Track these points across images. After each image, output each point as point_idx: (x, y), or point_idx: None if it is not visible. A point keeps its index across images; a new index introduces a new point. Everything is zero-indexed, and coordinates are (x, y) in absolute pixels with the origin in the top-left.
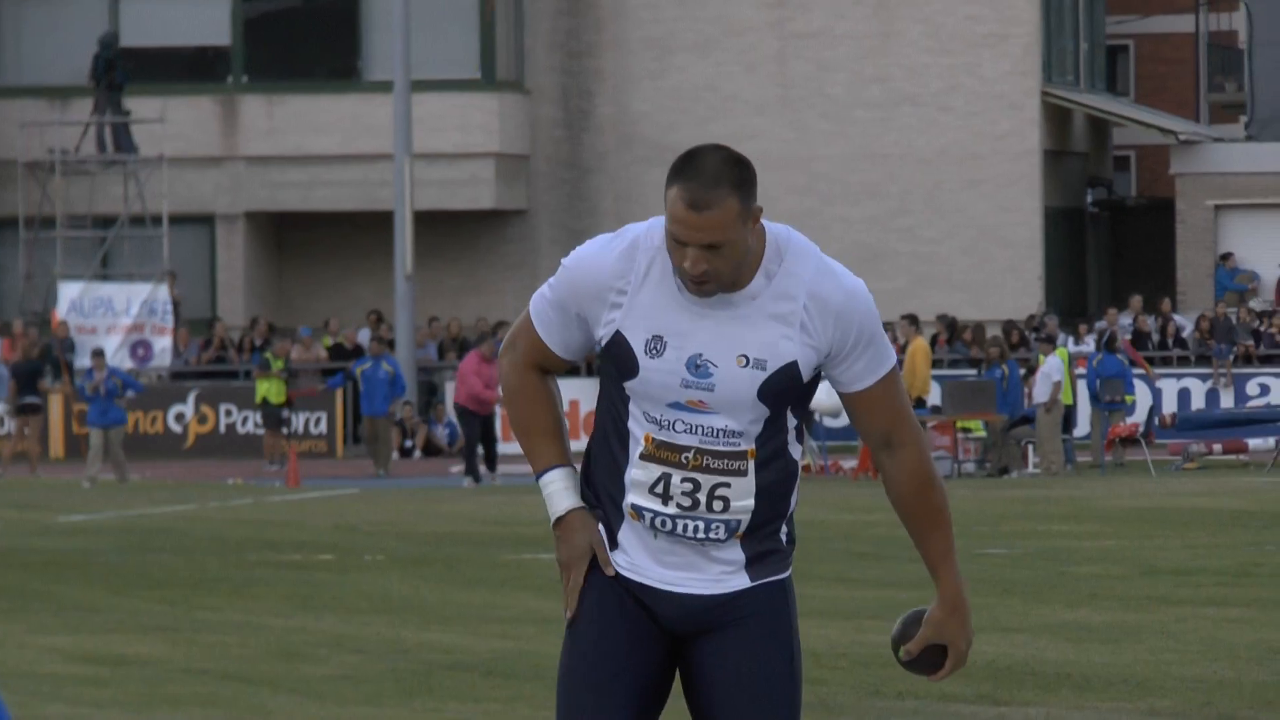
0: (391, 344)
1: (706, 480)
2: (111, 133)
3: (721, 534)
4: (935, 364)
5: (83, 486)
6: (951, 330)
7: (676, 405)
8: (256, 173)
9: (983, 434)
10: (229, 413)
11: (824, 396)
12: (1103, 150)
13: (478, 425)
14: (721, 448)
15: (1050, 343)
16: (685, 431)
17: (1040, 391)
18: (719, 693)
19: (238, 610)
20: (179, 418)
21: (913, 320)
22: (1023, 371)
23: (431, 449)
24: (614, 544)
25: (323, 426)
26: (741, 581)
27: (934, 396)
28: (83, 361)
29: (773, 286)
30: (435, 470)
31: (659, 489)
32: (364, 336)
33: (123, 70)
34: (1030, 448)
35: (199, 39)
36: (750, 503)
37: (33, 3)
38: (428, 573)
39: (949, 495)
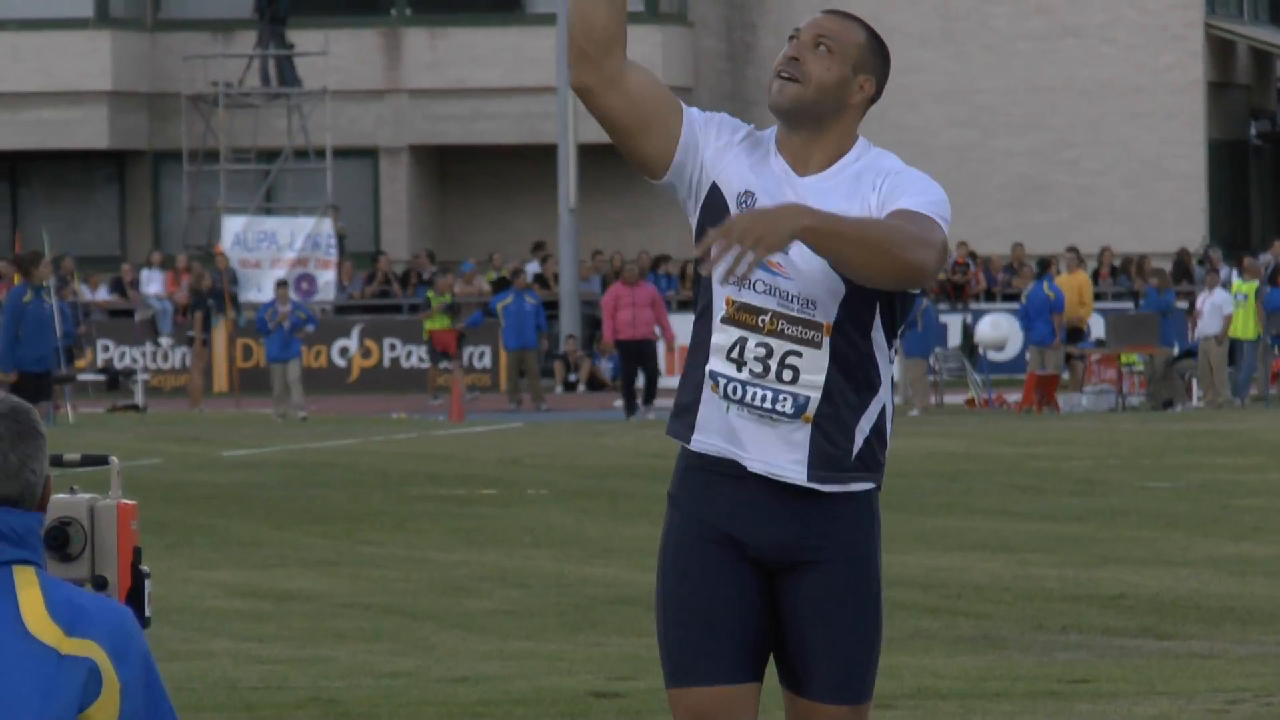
0: (555, 277)
1: (779, 346)
2: (275, 66)
3: (789, 408)
4: (1098, 297)
5: (274, 421)
6: (1115, 265)
7: (772, 273)
8: (419, 106)
9: (1142, 368)
10: (393, 347)
11: (988, 329)
12: (1266, 83)
13: (633, 357)
14: (796, 313)
15: (1216, 274)
16: (764, 293)
17: (1209, 324)
18: (798, 631)
19: (401, 545)
20: (343, 352)
21: (1074, 252)
22: (1185, 305)
23: (595, 383)
24: (694, 421)
25: (486, 360)
26: (798, 473)
27: (1097, 329)
28: (247, 295)
29: (856, 167)
30: (599, 404)
31: (735, 353)
32: (532, 269)
33: (286, 3)
34: (1194, 380)
35: None
36: (820, 379)
37: None
38: (590, 506)
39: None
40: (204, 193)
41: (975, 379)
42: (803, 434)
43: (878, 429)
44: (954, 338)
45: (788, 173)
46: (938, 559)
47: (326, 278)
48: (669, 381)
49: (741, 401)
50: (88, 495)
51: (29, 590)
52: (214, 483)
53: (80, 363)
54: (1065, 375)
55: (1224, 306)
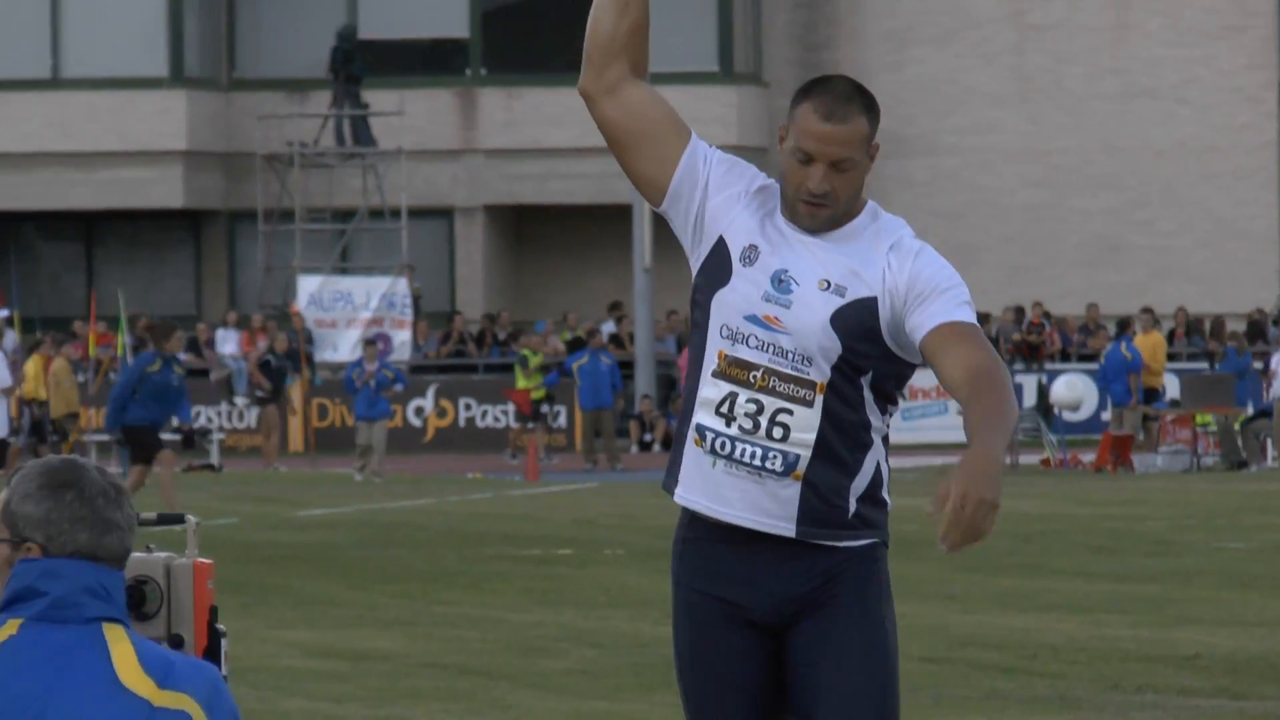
0: (631, 337)
1: (771, 403)
2: (350, 125)
3: (779, 465)
4: (1172, 358)
5: (354, 479)
6: (1189, 325)
7: (753, 319)
8: (494, 165)
9: (1215, 428)
10: (468, 406)
11: (1063, 389)
12: None
13: None
14: (790, 370)
15: None
16: (757, 348)
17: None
18: (808, 688)
19: (476, 605)
20: (418, 411)
21: (1150, 313)
22: (1259, 365)
23: (671, 443)
24: (679, 475)
25: (562, 420)
26: (787, 528)
27: (1172, 390)
28: (323, 355)
29: (864, 235)
30: None
31: (724, 408)
32: (607, 329)
33: (361, 63)
34: (1269, 441)
35: (437, 31)
36: (811, 437)
37: None
38: (666, 567)
39: (1013, 408)
40: (279, 252)
41: (1050, 439)
42: (792, 490)
43: (872, 489)
44: (1029, 398)
45: (796, 230)
46: (1013, 619)
47: (402, 337)
48: None
49: (730, 457)
50: (164, 554)
51: (121, 645)
52: (290, 542)
53: None
54: (1140, 435)
55: None
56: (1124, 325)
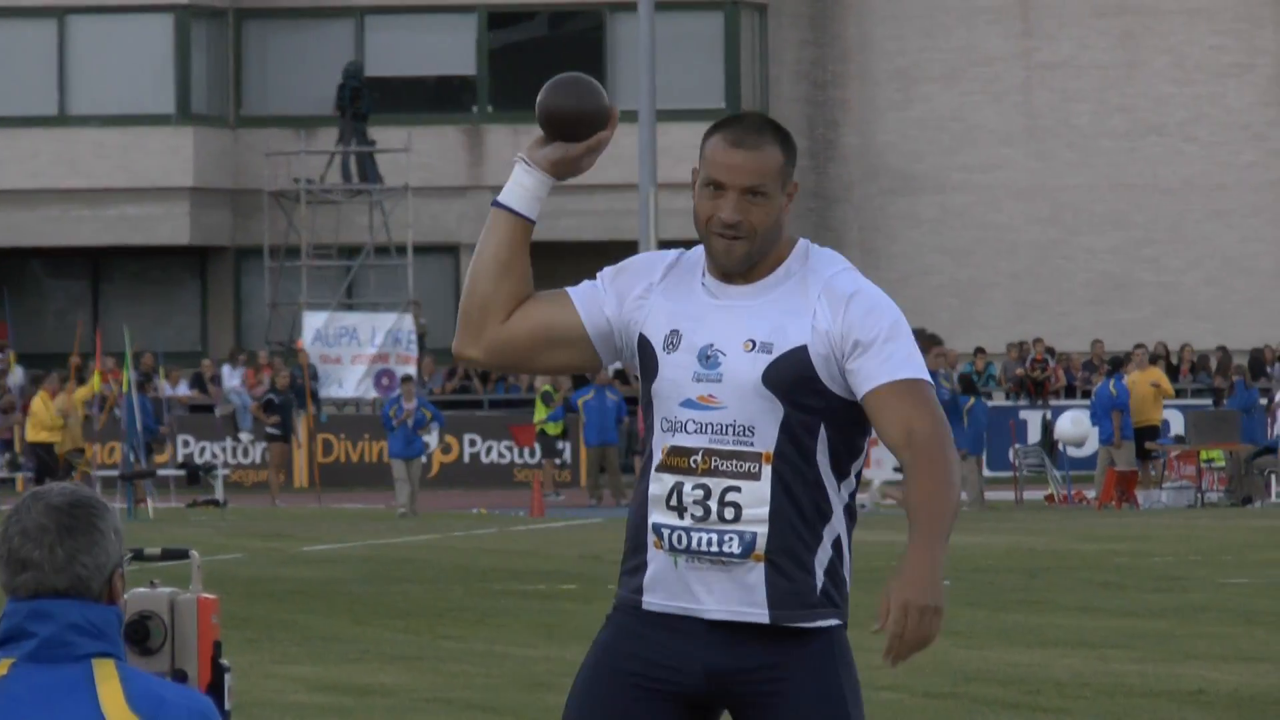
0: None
1: (717, 485)
2: (356, 162)
3: (736, 547)
4: (1178, 394)
5: (397, 514)
6: (1195, 362)
7: (689, 403)
8: None
9: (1223, 463)
10: (473, 442)
11: (1068, 426)
12: None
13: None
14: (731, 446)
15: None
16: (695, 431)
17: None
18: None
19: (482, 640)
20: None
21: (1143, 349)
22: (1264, 401)
23: None
24: (643, 583)
25: (567, 455)
26: (760, 614)
27: (1176, 425)
28: (328, 391)
29: (791, 281)
30: None
31: (673, 500)
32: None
33: (368, 100)
34: (1274, 477)
35: (444, 69)
36: (764, 511)
37: (278, 33)
38: None
39: (957, 503)
40: (285, 289)
41: (1055, 475)
42: (756, 574)
43: (835, 562)
44: (1034, 434)
45: (718, 289)
46: (1018, 655)
47: (407, 373)
48: None
49: (688, 550)
50: (168, 589)
51: (109, 684)
52: (295, 577)
53: (161, 458)
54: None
55: None
56: (1117, 363)
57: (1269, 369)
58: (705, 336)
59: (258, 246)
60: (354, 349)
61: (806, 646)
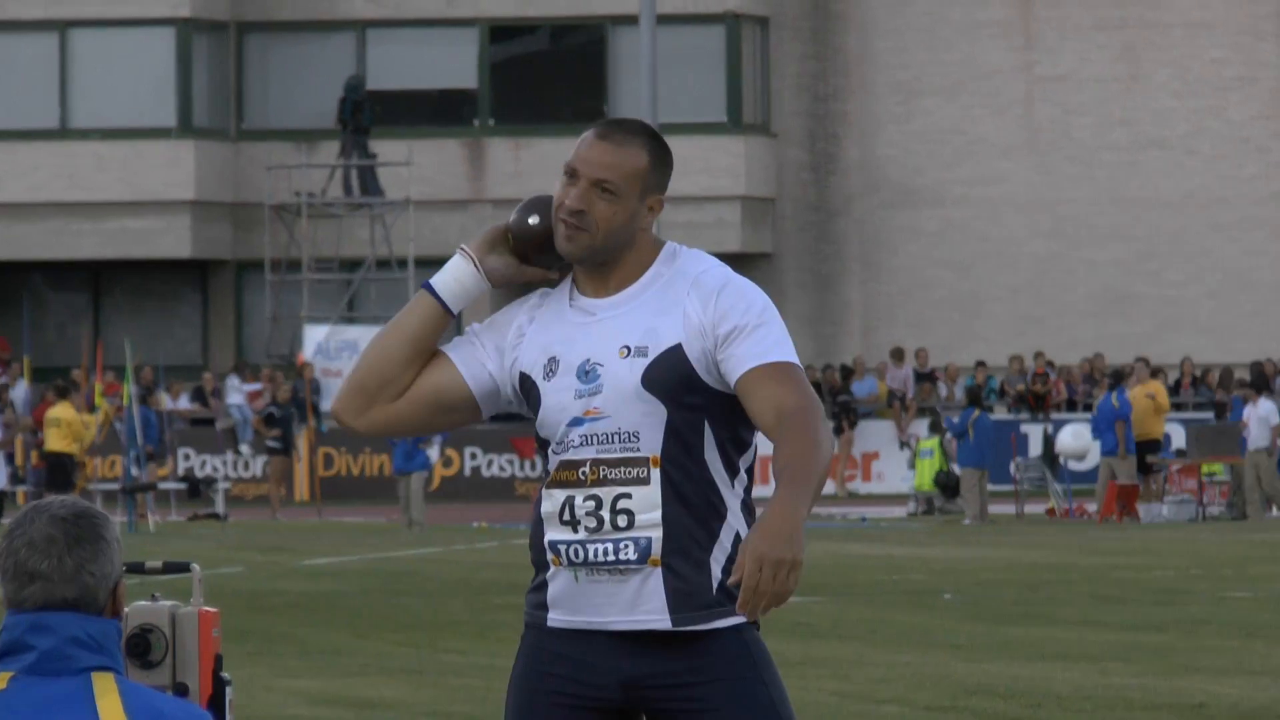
0: None
1: (607, 494)
2: (358, 176)
3: (632, 555)
4: (1179, 408)
5: (403, 529)
6: (1197, 376)
7: (575, 421)
8: (502, 215)
9: (1224, 477)
10: (474, 455)
11: (1069, 439)
12: None
13: None
14: (618, 454)
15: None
16: (582, 444)
17: (1259, 436)
18: None
19: (482, 653)
20: (331, 412)
21: (1145, 363)
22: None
23: None
24: (546, 599)
25: None
26: (662, 620)
27: (1178, 439)
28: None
29: (660, 283)
30: None
31: (565, 515)
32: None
33: (369, 113)
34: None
35: (446, 82)
36: (656, 515)
37: (280, 46)
38: None
39: (825, 460)
40: (286, 302)
41: (1056, 489)
42: (655, 580)
43: (734, 558)
44: (1035, 448)
45: (587, 306)
46: (1019, 668)
47: None
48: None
49: (585, 563)
50: (169, 603)
51: (108, 698)
52: (296, 591)
53: (162, 471)
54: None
55: (1271, 418)
56: (1119, 376)
57: (1273, 384)
58: (581, 353)
59: (259, 260)
60: (355, 362)
61: (718, 652)
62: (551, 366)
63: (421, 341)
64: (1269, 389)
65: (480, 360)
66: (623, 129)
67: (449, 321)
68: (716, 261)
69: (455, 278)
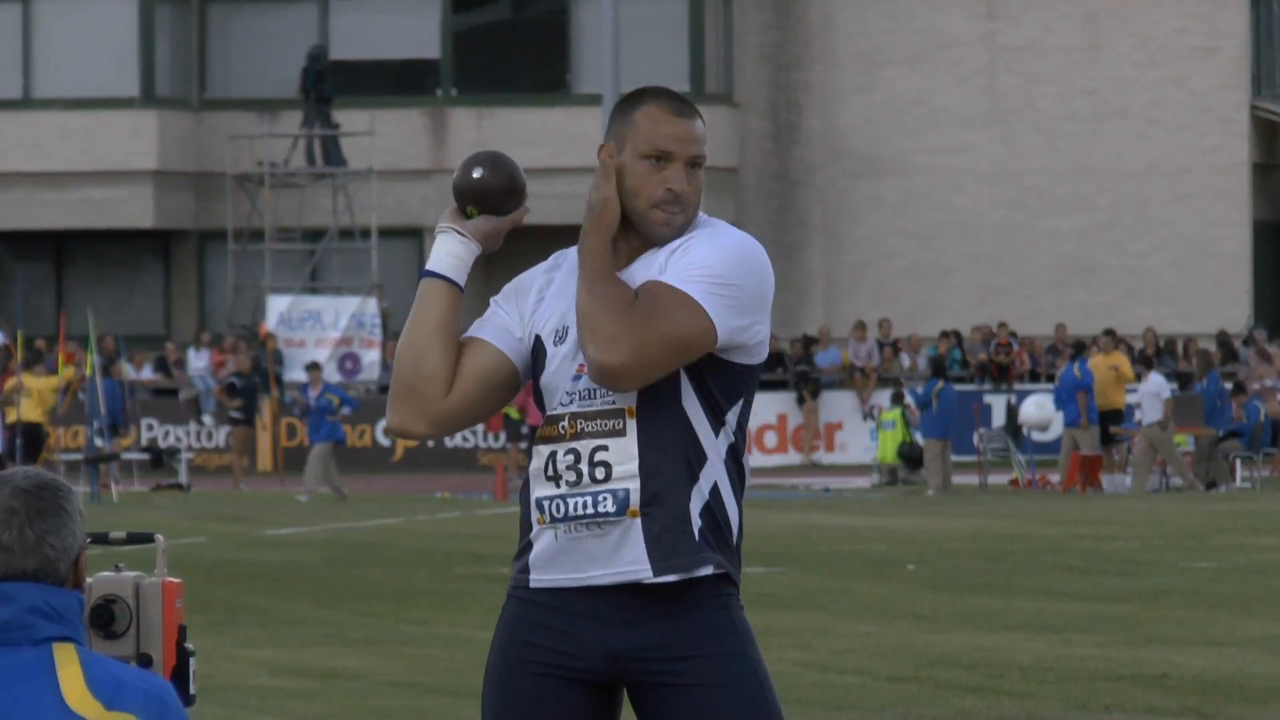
0: None
1: (585, 447)
2: (320, 145)
3: (610, 507)
4: (1141, 378)
5: (298, 500)
6: (1160, 346)
7: (575, 378)
8: None
9: (1189, 449)
10: None
11: (1032, 410)
12: None
13: None
14: (598, 407)
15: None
16: (566, 402)
17: (1150, 410)
18: None
19: (445, 623)
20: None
21: (1111, 334)
22: (1229, 386)
23: None
24: (528, 562)
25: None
26: (644, 571)
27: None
28: (293, 375)
29: (675, 242)
30: None
31: (550, 470)
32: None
33: (332, 83)
34: (1239, 462)
35: (408, 52)
36: (633, 466)
37: (242, 16)
38: None
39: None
40: (249, 272)
41: (1019, 459)
42: (635, 531)
43: (714, 507)
44: (998, 418)
45: None
46: (981, 639)
47: (371, 357)
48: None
49: (566, 518)
50: (133, 573)
51: (69, 668)
52: (258, 561)
53: (125, 441)
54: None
55: (1162, 392)
56: (1080, 347)
57: (1238, 351)
58: None
59: (221, 230)
60: (318, 332)
61: (703, 626)
62: (561, 333)
63: (446, 326)
64: (1235, 359)
65: (509, 329)
66: (683, 100)
67: (461, 297)
68: (729, 228)
69: (447, 252)
